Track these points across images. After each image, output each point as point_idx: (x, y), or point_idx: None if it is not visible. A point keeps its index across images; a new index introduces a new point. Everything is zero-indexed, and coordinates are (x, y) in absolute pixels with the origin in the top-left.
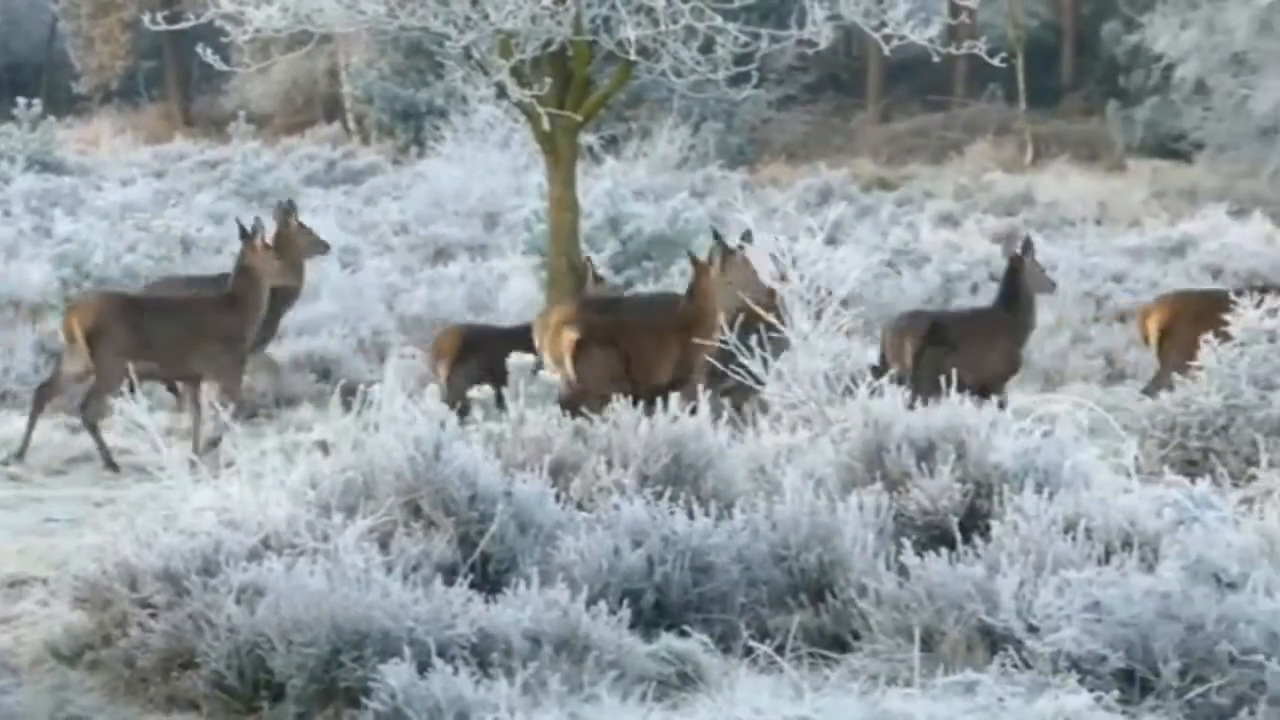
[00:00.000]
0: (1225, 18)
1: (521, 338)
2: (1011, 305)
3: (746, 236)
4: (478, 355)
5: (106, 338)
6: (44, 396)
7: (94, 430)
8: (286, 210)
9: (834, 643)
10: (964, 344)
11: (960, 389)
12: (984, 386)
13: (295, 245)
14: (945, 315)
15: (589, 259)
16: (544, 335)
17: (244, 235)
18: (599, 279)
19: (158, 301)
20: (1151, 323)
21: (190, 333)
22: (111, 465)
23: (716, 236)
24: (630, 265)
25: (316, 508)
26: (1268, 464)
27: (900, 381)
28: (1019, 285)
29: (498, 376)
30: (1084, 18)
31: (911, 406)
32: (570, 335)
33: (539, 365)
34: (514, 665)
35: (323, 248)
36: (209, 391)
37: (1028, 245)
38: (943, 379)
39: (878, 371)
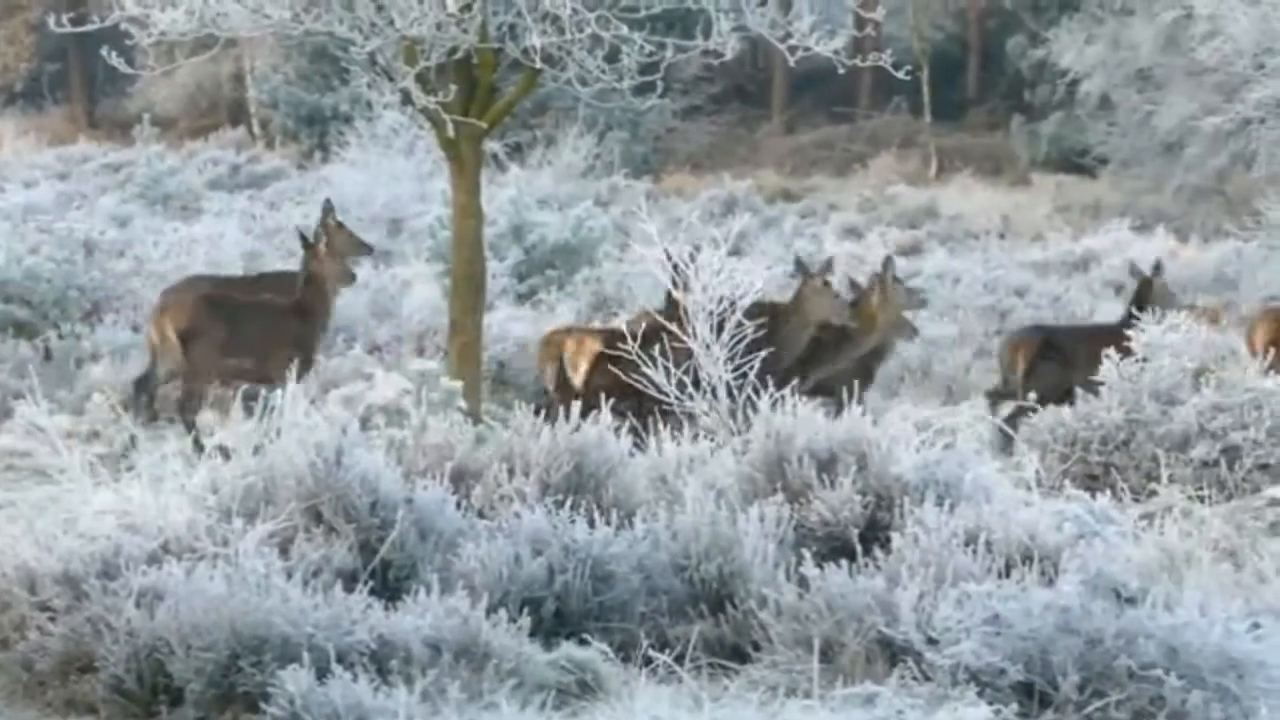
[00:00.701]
0: (1130, 33)
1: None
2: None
3: (828, 266)
4: None
5: (201, 337)
6: (142, 392)
7: (190, 426)
8: (326, 211)
9: (733, 653)
10: (1080, 359)
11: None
12: None
13: (338, 247)
14: (1061, 330)
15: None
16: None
17: (306, 244)
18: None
19: (248, 304)
20: (1259, 334)
21: (273, 337)
22: (199, 447)
23: (799, 264)
24: (534, 273)
25: (217, 512)
26: (1168, 479)
27: (1011, 395)
28: (1147, 305)
29: None
30: (989, 32)
31: (1014, 420)
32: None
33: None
34: (413, 672)
35: (366, 249)
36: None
37: (1158, 267)
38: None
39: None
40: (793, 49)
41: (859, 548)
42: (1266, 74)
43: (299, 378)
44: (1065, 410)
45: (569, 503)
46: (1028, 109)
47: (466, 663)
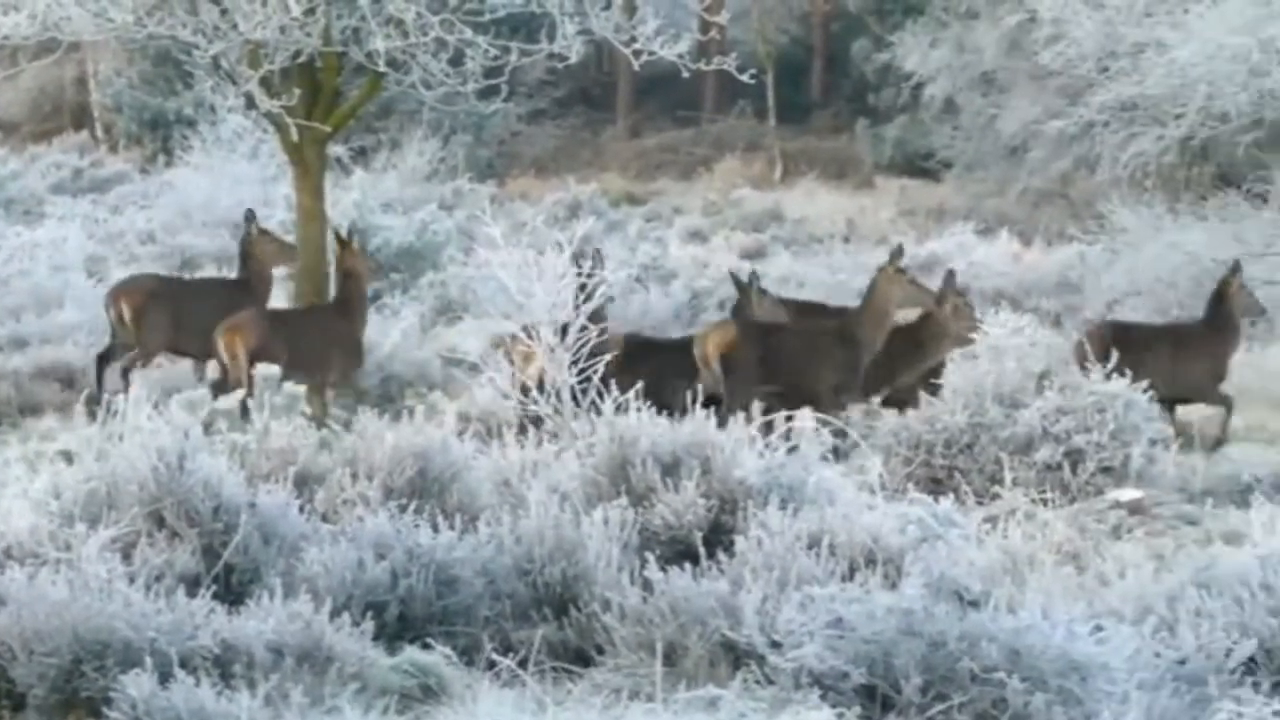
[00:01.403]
0: (974, 37)
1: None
2: (1216, 324)
3: (899, 253)
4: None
5: (256, 349)
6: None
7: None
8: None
9: (577, 657)
10: (1151, 356)
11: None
12: (1177, 399)
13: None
14: (1132, 325)
15: (754, 273)
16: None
17: (341, 242)
18: (763, 292)
19: (297, 312)
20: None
21: (325, 338)
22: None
23: (893, 257)
24: (378, 276)
25: (59, 517)
26: (1011, 482)
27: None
28: (1227, 306)
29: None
30: (834, 35)
31: None
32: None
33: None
34: (256, 676)
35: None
36: None
37: (1236, 267)
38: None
39: None
40: (637, 53)
41: (702, 551)
42: (1110, 77)
43: (346, 377)
44: (909, 413)
45: (413, 507)
46: (872, 112)
47: (309, 667)
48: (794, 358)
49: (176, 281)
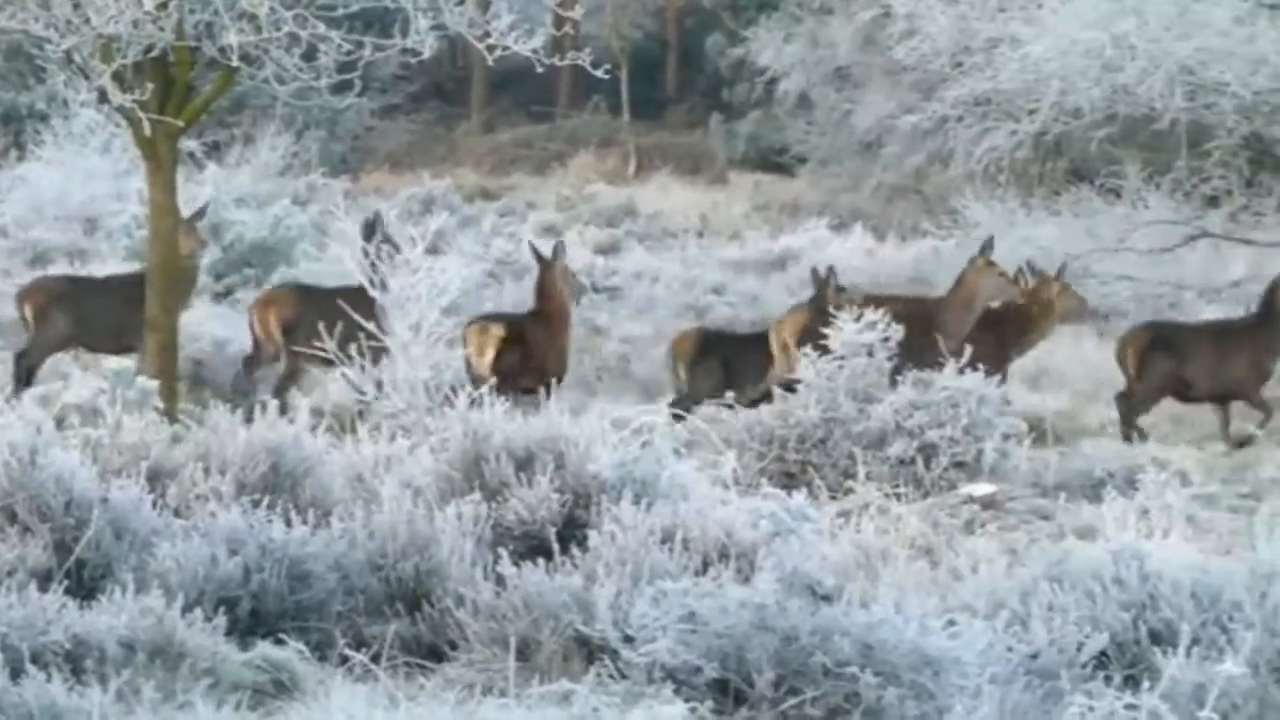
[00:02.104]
0: (828, 32)
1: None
2: (1267, 320)
3: (990, 245)
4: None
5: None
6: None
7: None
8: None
9: (430, 652)
10: (1195, 354)
11: (1193, 399)
12: (1225, 395)
13: None
14: (1174, 326)
15: (831, 268)
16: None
17: (540, 259)
18: (840, 288)
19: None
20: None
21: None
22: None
23: (984, 250)
24: (231, 272)
25: None
26: (865, 477)
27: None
28: (1277, 304)
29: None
30: (688, 31)
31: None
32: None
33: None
34: (108, 672)
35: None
36: None
37: None
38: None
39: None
40: (491, 48)
41: (556, 546)
42: (964, 73)
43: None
44: (763, 408)
45: (265, 502)
46: (726, 108)
47: (161, 662)
48: None
49: (84, 281)
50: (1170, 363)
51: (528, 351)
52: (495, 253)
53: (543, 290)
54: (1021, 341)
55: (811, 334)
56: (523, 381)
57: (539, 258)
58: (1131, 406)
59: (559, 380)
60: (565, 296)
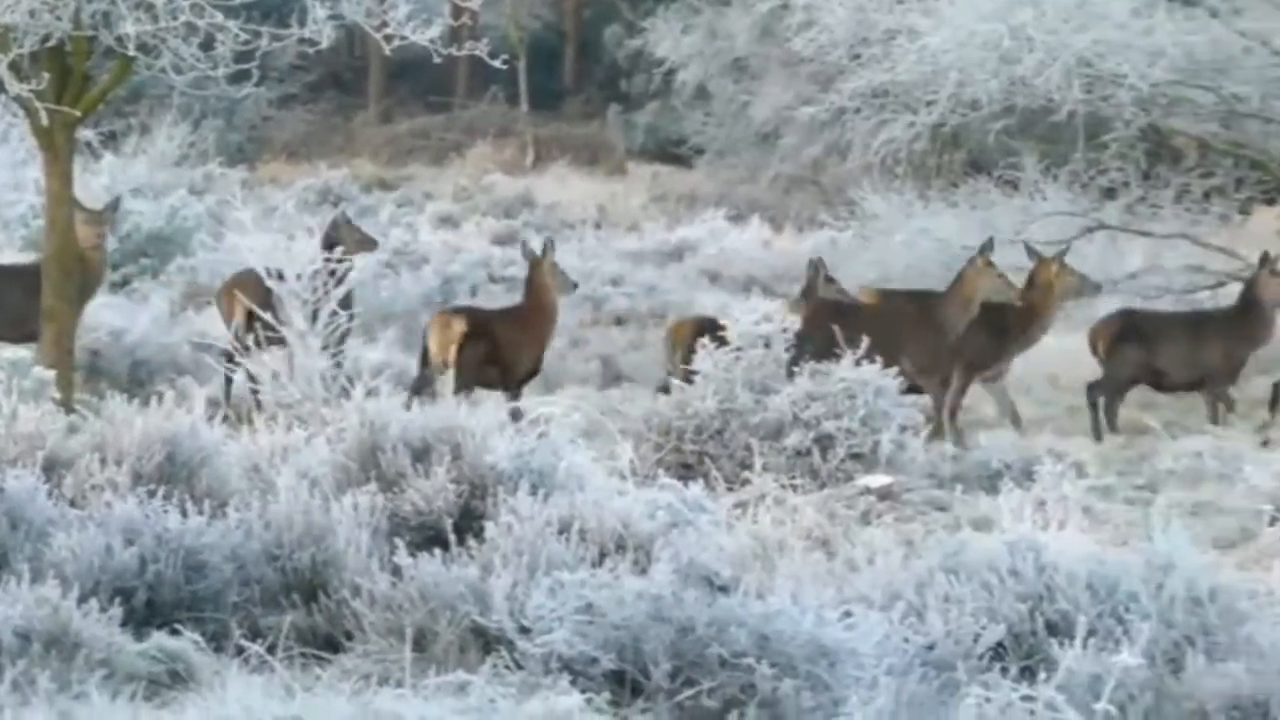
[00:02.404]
0: (726, 23)
1: None
2: (1243, 313)
3: (990, 245)
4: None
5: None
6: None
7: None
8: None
9: (326, 643)
10: (1168, 343)
11: (1164, 387)
12: (1195, 384)
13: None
14: (1144, 314)
15: (820, 259)
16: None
17: (529, 256)
18: (830, 279)
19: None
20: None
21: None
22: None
23: (984, 250)
24: (128, 262)
25: None
26: (762, 468)
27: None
28: (1256, 296)
29: None
30: (586, 21)
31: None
32: None
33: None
34: (3, 662)
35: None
36: None
37: (1265, 259)
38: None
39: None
40: (389, 37)
41: (453, 537)
42: (861, 64)
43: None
44: (660, 399)
45: (161, 492)
46: (624, 98)
47: (57, 653)
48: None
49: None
50: (1141, 351)
51: (495, 346)
52: (393, 243)
53: (531, 287)
54: (1024, 337)
55: (809, 324)
56: (486, 376)
57: (529, 254)
58: (1104, 395)
59: (529, 378)
60: (553, 294)
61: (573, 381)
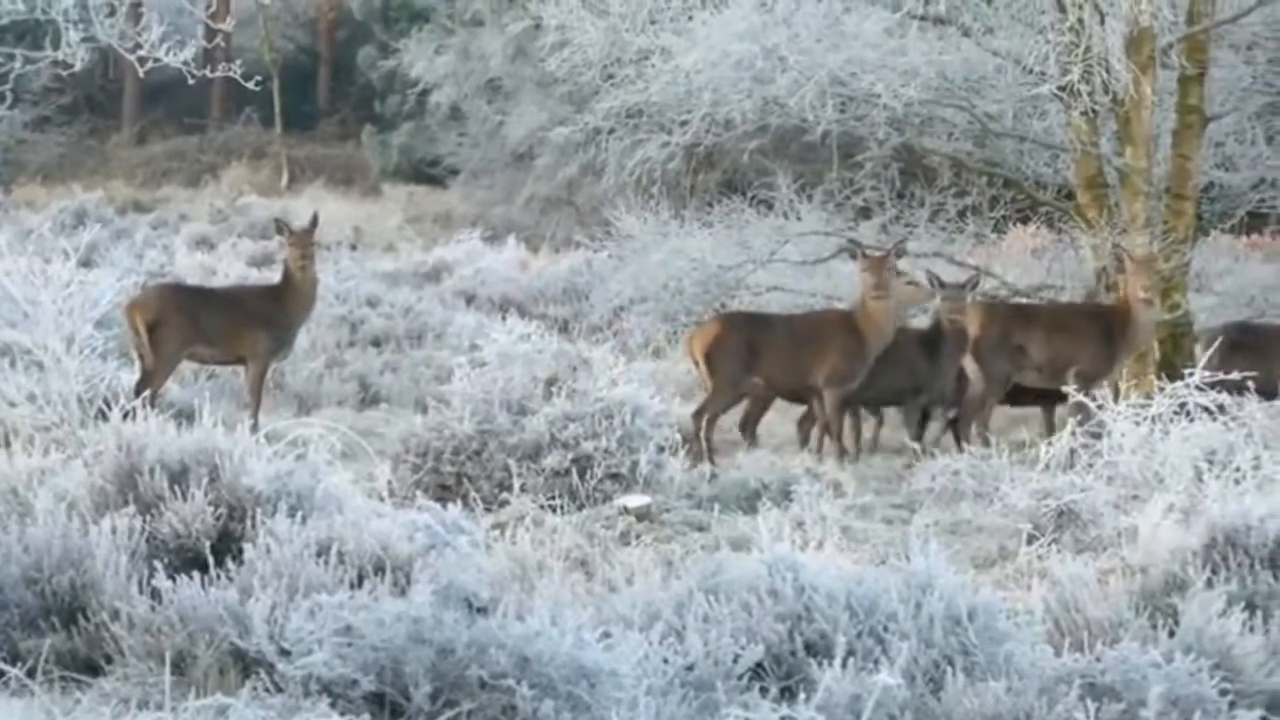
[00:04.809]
0: (480, 44)
1: None
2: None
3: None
4: None
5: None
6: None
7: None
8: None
9: (86, 666)
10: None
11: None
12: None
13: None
14: (1241, 327)
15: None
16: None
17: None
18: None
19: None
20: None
21: None
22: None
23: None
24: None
25: None
26: (520, 489)
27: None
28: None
29: None
30: (340, 43)
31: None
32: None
33: None
34: None
35: None
36: None
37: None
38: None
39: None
40: (142, 60)
41: (211, 559)
42: (615, 84)
43: None
44: (418, 420)
45: None
46: (379, 119)
47: None
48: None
49: None
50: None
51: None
52: (148, 264)
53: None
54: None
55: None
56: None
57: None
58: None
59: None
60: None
61: (330, 402)
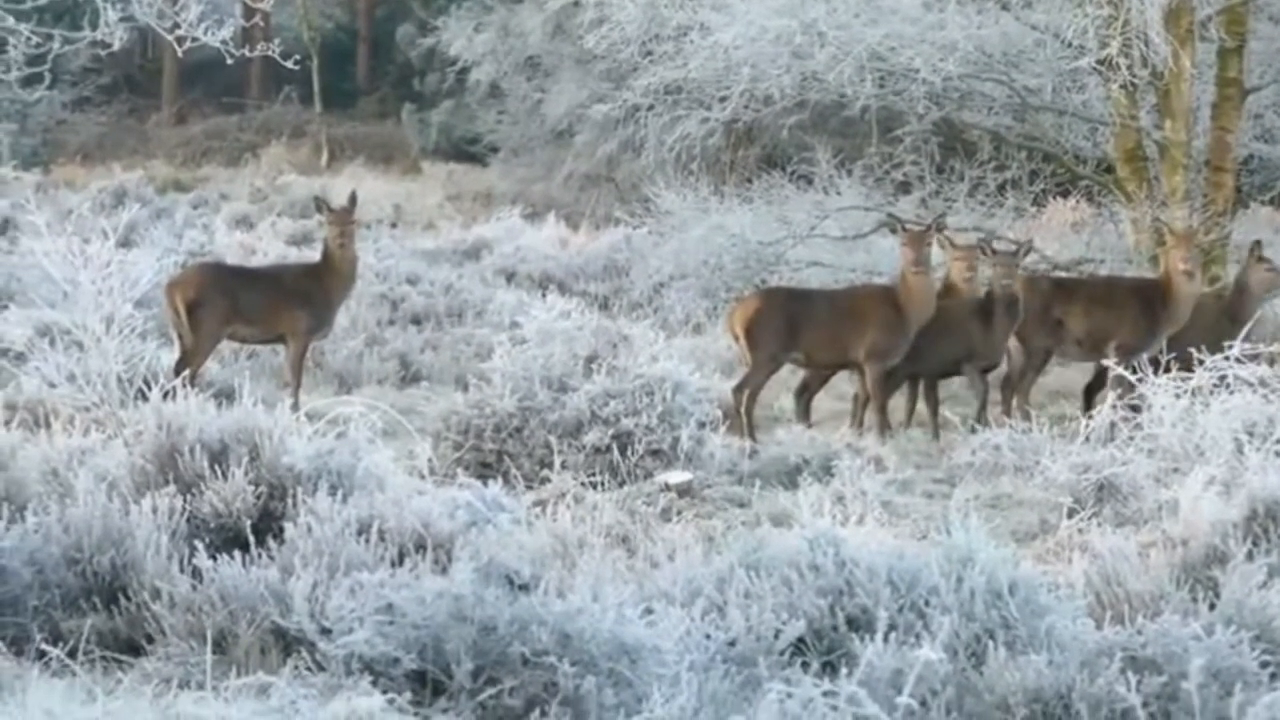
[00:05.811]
0: (519, 21)
1: None
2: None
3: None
4: None
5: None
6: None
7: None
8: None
9: (127, 646)
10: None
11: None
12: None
13: None
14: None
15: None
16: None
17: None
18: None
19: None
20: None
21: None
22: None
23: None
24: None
25: None
26: (561, 466)
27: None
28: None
29: None
30: (379, 21)
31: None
32: None
33: None
34: None
35: None
36: None
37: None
38: None
39: None
40: (181, 39)
41: (252, 539)
42: (654, 61)
43: None
44: (458, 397)
45: None
46: (418, 98)
47: None
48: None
49: None
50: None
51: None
52: (188, 244)
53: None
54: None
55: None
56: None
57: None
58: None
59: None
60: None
61: (370, 381)
